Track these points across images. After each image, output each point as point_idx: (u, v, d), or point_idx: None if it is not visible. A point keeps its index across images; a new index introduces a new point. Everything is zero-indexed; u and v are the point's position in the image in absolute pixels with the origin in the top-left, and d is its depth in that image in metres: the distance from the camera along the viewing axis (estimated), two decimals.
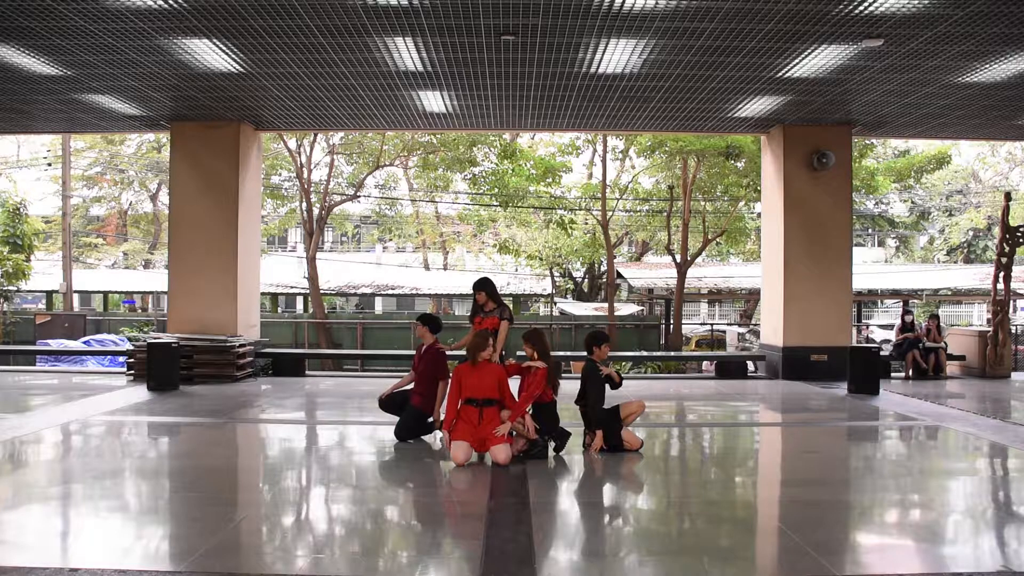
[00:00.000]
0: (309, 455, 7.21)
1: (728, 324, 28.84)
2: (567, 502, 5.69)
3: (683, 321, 23.27)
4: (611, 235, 23.04)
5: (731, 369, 13.26)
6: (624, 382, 7.16)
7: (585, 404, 6.82)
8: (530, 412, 6.62)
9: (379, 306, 35.55)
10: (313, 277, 22.30)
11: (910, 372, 12.83)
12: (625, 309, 27.34)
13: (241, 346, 11.87)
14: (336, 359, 19.26)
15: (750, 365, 14.03)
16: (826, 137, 12.17)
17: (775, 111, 11.48)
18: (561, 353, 15.56)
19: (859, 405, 9.92)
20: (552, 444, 6.66)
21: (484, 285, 7.38)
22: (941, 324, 13.39)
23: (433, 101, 11.12)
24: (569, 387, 7.35)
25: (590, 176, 27.78)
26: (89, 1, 7.45)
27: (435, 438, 7.14)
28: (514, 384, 6.68)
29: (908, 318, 13.20)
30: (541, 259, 26.67)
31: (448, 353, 7.41)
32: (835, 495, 5.67)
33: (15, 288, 21.85)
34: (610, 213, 23.43)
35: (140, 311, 31.44)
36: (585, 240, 25.21)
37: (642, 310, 28.29)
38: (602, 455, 6.67)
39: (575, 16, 7.78)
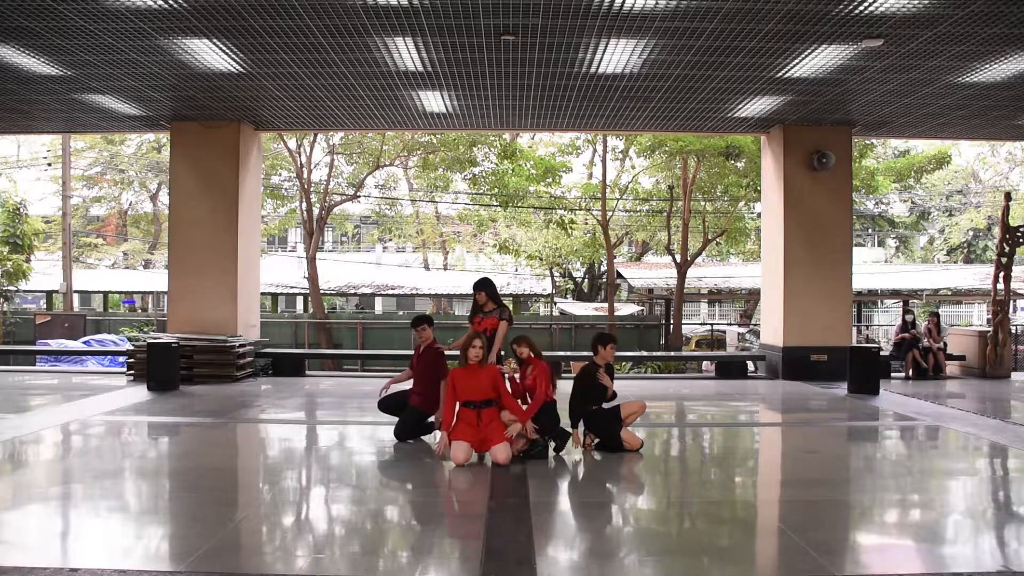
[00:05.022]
0: (309, 455, 7.21)
1: (728, 324, 28.83)
2: (567, 502, 5.70)
3: (683, 321, 23.27)
4: (611, 235, 23.04)
5: (731, 369, 13.25)
6: (625, 382, 7.18)
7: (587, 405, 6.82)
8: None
9: (379, 306, 35.53)
10: (313, 277, 22.30)
11: (910, 372, 12.82)
12: (625, 309, 27.34)
13: (241, 346, 11.87)
14: (336, 359, 19.26)
15: (750, 365, 14.03)
16: (826, 137, 12.17)
17: (775, 111, 11.48)
18: (561, 353, 15.57)
19: (859, 405, 9.92)
20: (552, 444, 6.66)
21: (484, 285, 7.38)
22: (941, 324, 13.39)
23: (433, 101, 11.12)
24: (568, 387, 7.34)
25: (590, 176, 27.77)
26: (89, 1, 7.45)
27: (435, 438, 7.14)
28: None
29: (908, 317, 13.21)
30: (541, 259, 26.66)
31: (447, 352, 7.41)
32: (835, 495, 5.67)
33: (15, 288, 21.85)
34: (610, 213, 23.42)
35: (140, 311, 31.42)
36: (585, 240, 25.20)
37: (642, 310, 28.29)
38: (602, 455, 6.67)
39: (575, 16, 7.78)
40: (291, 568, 4.08)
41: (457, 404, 6.47)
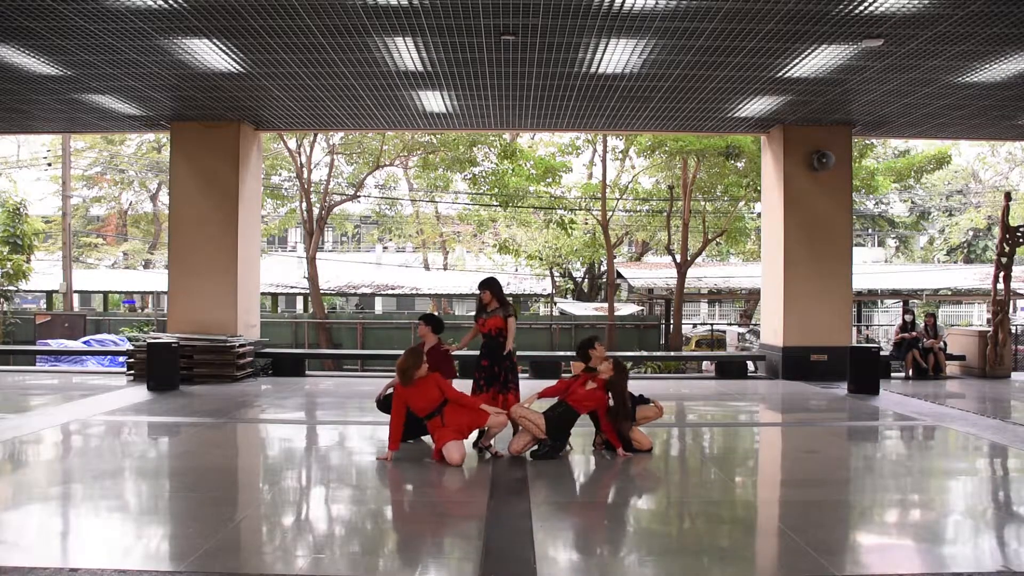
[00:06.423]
0: (309, 455, 7.21)
1: (728, 324, 28.83)
2: (567, 502, 5.69)
3: (683, 321, 23.26)
4: (611, 235, 23.04)
5: (731, 369, 13.25)
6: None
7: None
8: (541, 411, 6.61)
9: (379, 306, 35.54)
10: (313, 277, 22.30)
11: (910, 372, 12.83)
12: (625, 309, 27.33)
13: (241, 346, 11.87)
14: (336, 359, 19.26)
15: (750, 365, 14.03)
16: (826, 137, 12.17)
17: (775, 111, 11.48)
18: (560, 353, 15.56)
19: (859, 405, 9.92)
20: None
21: (489, 284, 7.33)
22: (938, 324, 13.38)
23: (433, 101, 11.12)
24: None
25: (590, 176, 27.77)
26: (89, 1, 7.45)
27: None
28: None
29: (908, 317, 13.21)
30: (541, 259, 26.66)
31: (453, 353, 7.37)
32: (835, 495, 5.67)
33: (15, 288, 21.85)
34: (610, 213, 23.42)
35: (140, 311, 31.41)
36: (585, 240, 25.20)
37: (642, 310, 28.28)
38: (610, 454, 6.63)
39: (575, 16, 7.78)
40: (291, 568, 4.08)
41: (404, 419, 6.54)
